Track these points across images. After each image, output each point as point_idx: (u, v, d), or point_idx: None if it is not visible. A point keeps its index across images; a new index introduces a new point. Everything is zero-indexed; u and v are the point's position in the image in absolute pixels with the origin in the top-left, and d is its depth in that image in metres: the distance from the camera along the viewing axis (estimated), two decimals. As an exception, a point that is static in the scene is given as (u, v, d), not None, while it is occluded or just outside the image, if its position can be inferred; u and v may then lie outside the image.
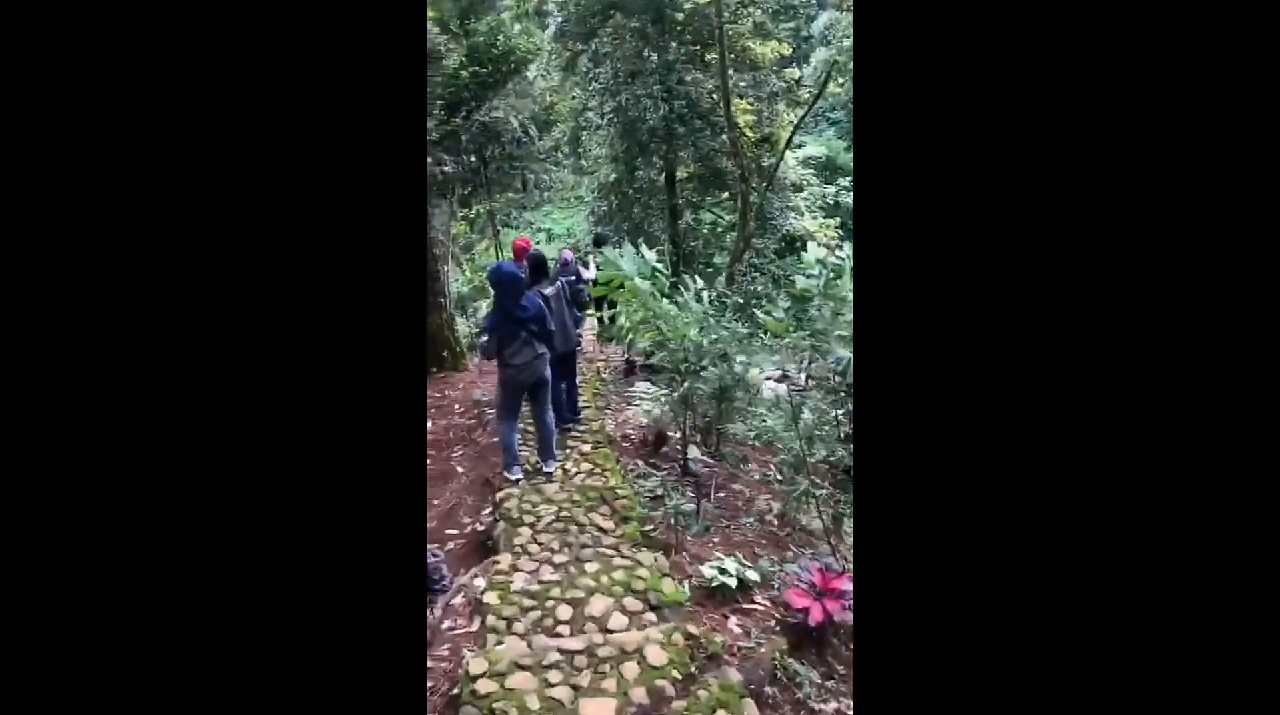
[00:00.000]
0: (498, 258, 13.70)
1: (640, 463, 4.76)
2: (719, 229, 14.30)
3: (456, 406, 6.32)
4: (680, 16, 12.59)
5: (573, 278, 5.99)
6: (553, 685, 2.27)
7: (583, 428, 5.23)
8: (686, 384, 4.19)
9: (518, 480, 4.14)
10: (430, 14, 10.11)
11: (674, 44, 12.50)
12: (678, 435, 4.85)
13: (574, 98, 14.13)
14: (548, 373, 4.22)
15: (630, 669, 2.35)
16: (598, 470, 4.36)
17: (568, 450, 4.73)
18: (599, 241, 8.34)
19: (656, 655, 2.40)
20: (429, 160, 9.56)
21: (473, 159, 10.59)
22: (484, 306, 13.86)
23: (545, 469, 4.33)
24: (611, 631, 2.65)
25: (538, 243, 18.06)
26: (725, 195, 13.88)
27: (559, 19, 13.00)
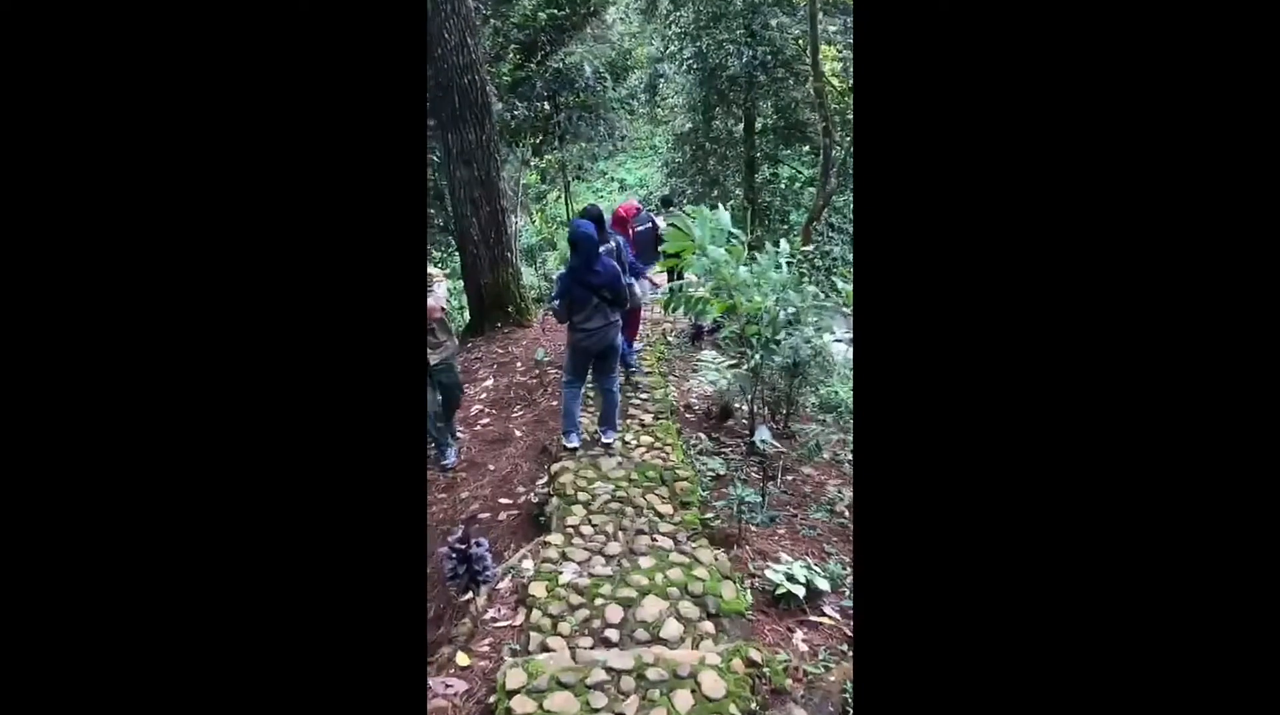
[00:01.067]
0: (568, 209, 13.53)
1: (704, 437, 4.51)
2: (797, 184, 13.67)
3: (518, 365, 6.21)
4: (767, -44, 11.87)
5: (648, 225, 5.65)
6: (596, 711, 2.10)
7: (644, 396, 5.01)
8: (758, 357, 3.89)
9: (574, 448, 4.00)
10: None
11: (759, -15, 11.77)
12: (743, 408, 4.59)
13: (652, 44, 13.59)
14: (618, 341, 4.04)
15: (683, 698, 2.13)
16: (658, 445, 4.14)
17: (628, 420, 4.52)
18: (666, 202, 8.04)
19: (713, 684, 2.17)
20: (500, 105, 9.33)
21: (545, 106, 10.31)
22: (552, 258, 13.79)
23: (604, 440, 4.15)
24: (664, 642, 2.46)
25: (610, 193, 17.80)
26: (806, 148, 13.24)
27: (641, -42, 12.35)
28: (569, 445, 4.02)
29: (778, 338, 3.89)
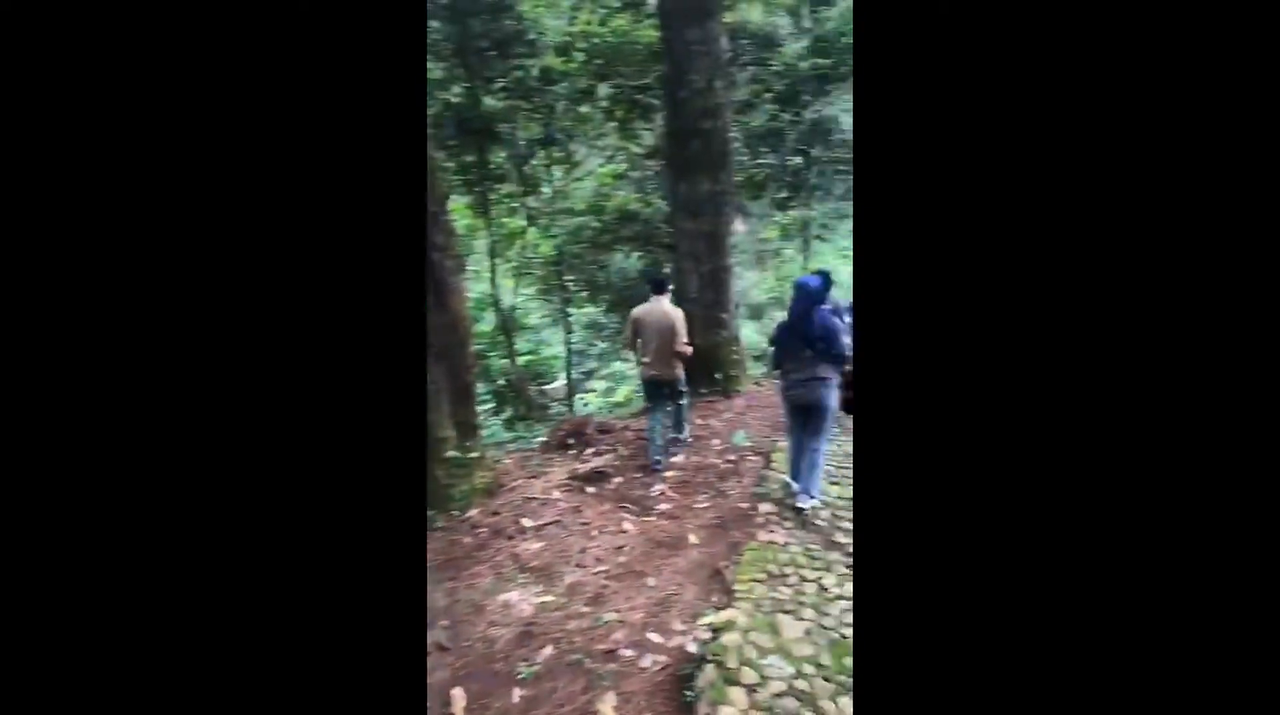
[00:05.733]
0: (804, 266, 12.65)
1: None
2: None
3: (715, 442, 5.43)
4: None
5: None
6: None
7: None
8: None
9: (802, 510, 3.93)
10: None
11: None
12: None
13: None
14: (830, 401, 3.84)
15: None
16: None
17: (832, 556, 3.50)
18: None
19: None
20: (745, 157, 8.79)
21: (797, 159, 9.61)
22: (781, 316, 12.92)
23: (797, 503, 3.98)
24: None
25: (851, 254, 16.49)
26: None
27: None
28: (800, 505, 3.96)
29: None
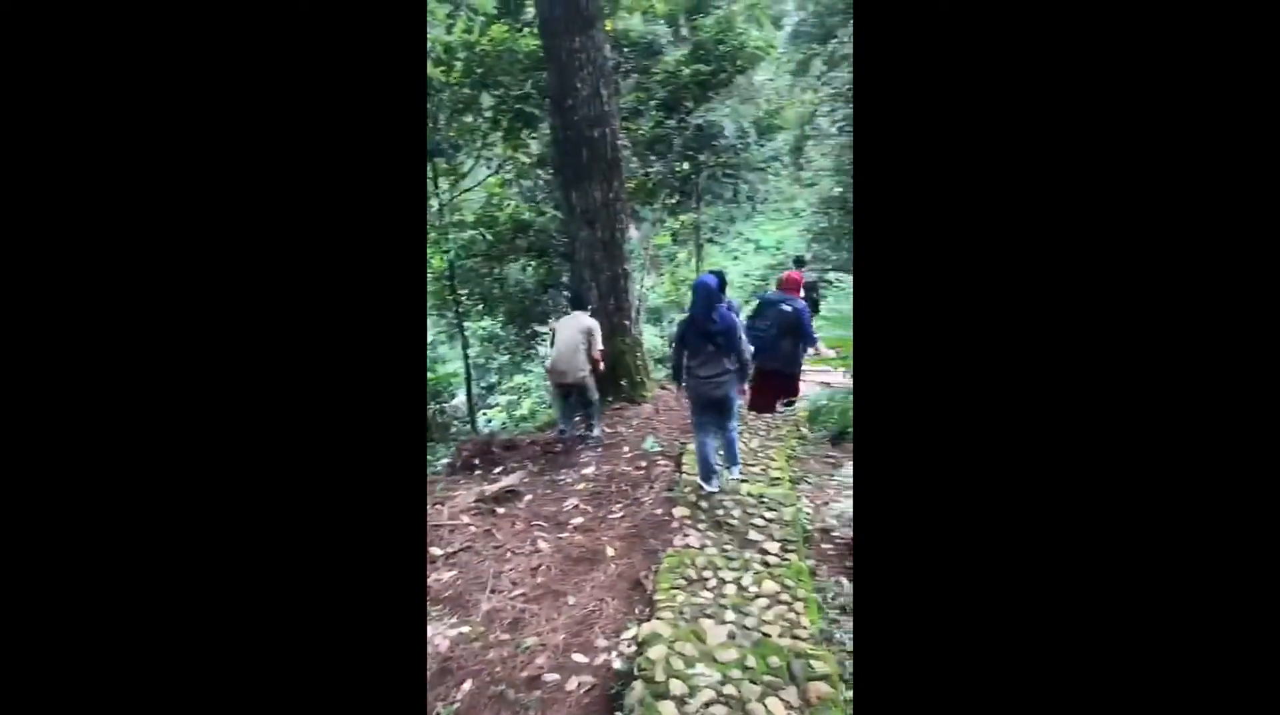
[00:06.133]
0: (698, 271, 12.90)
1: (846, 584, 3.45)
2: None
3: (625, 450, 5.40)
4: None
5: (798, 307, 5.01)
6: None
7: (770, 513, 4.02)
8: None
9: (714, 492, 4.21)
10: (659, 8, 9.41)
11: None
12: None
13: (802, 103, 12.94)
14: (732, 393, 4.09)
15: None
16: (785, 596, 3.13)
17: (747, 555, 3.56)
18: (799, 262, 7.72)
19: None
20: (634, 164, 8.85)
21: (684, 165, 9.77)
22: (680, 319, 13.08)
23: (731, 476, 4.37)
24: None
25: (745, 255, 17.05)
26: None
27: (795, 18, 11.81)
28: (709, 488, 4.23)
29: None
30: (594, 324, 5.22)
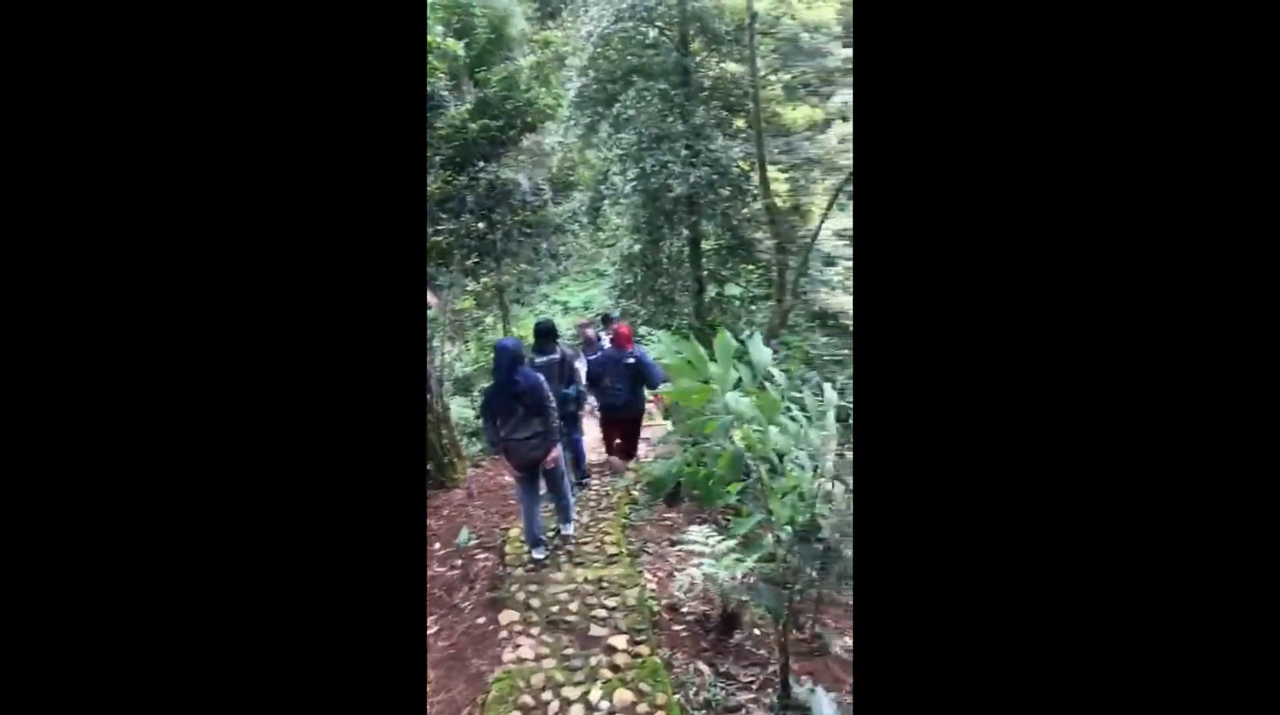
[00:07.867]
0: (506, 331, 12.36)
1: (704, 670, 3.03)
2: (748, 302, 13.07)
3: (436, 547, 4.62)
4: (707, 82, 12.14)
5: (611, 357, 4.93)
6: None
7: (613, 600, 3.52)
8: (795, 552, 2.58)
9: (542, 560, 4.03)
10: (437, 63, 8.98)
11: (701, 109, 11.64)
12: (756, 615, 3.24)
13: (594, 164, 13.16)
14: (554, 452, 3.93)
15: None
16: (642, 701, 2.62)
17: (592, 647, 3.01)
18: (607, 320, 7.67)
19: None
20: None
21: (480, 224, 9.28)
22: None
23: (564, 532, 4.32)
24: None
25: (554, 316, 16.84)
26: (752, 267, 12.82)
27: (579, 83, 12.07)
28: (536, 556, 4.02)
29: (821, 512, 2.56)
30: None
